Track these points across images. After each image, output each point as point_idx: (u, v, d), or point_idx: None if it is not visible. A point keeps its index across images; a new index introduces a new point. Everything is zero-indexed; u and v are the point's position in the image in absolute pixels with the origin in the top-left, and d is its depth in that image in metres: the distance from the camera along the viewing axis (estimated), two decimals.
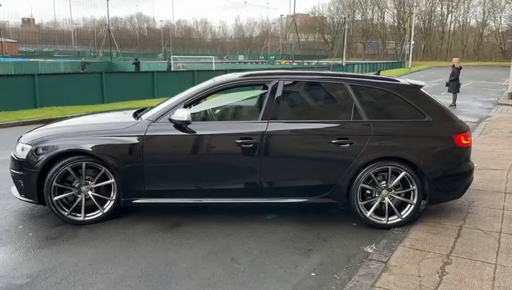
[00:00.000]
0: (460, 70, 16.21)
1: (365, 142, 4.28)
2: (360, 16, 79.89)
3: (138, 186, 4.36)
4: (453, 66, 16.17)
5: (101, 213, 4.44)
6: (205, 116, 4.86)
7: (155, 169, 4.33)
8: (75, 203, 4.39)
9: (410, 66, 48.69)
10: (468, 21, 79.31)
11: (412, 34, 43.09)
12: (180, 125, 4.28)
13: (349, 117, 4.40)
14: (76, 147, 4.28)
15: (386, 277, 3.38)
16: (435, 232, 4.27)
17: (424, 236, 4.18)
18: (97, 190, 4.44)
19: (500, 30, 72.78)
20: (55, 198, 4.32)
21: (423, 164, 4.30)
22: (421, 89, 4.58)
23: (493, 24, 75.58)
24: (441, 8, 77.23)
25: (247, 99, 5.15)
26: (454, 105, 15.71)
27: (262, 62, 65.14)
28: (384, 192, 4.39)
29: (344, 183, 4.34)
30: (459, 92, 16.20)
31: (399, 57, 64.54)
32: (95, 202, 4.42)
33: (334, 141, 4.28)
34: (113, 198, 4.43)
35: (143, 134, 4.30)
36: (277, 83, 4.40)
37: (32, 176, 4.31)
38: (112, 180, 4.37)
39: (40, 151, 4.30)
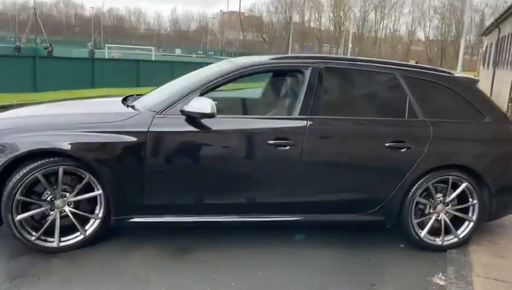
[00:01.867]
0: None
1: (424, 147, 3.49)
2: (298, 18, 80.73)
3: (136, 200, 3.24)
4: None
5: (81, 236, 3.24)
6: (223, 109, 3.72)
7: (161, 177, 3.23)
8: (46, 224, 3.16)
9: None
10: (398, 28, 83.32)
11: (350, 38, 43.80)
12: (194, 119, 3.21)
13: (403, 115, 3.59)
14: (50, 146, 3.05)
15: None
16: (499, 255, 3.60)
17: (490, 260, 3.50)
18: (76, 204, 3.24)
19: (429, 38, 77.11)
20: (19, 217, 3.06)
21: (487, 173, 3.60)
22: (477, 85, 3.90)
23: (421, 33, 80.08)
24: (375, 15, 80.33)
25: (270, 88, 4.13)
26: None
27: (200, 57, 63.44)
28: (439, 207, 3.64)
29: (397, 197, 3.52)
30: None
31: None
32: (74, 220, 3.22)
33: (387, 145, 3.45)
34: (99, 216, 3.25)
35: (146, 130, 3.17)
36: (316, 70, 3.48)
37: None
38: (98, 192, 3.20)
39: (2, 151, 3.02)
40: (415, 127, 3.56)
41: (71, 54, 28.37)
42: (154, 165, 3.19)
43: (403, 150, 3.46)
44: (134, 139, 3.15)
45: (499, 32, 19.57)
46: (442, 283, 3.17)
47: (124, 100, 3.87)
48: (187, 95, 3.29)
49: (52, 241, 3.17)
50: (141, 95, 4.22)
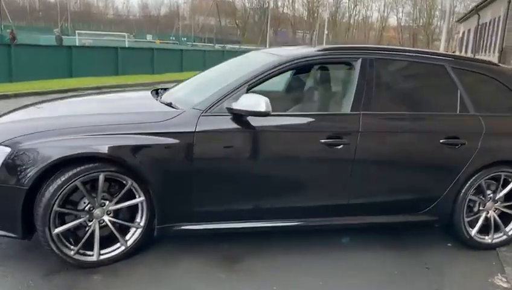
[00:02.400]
0: None
1: (478, 143, 3.35)
2: (272, 3, 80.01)
3: (183, 207, 2.97)
4: None
5: (122, 247, 2.96)
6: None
7: (210, 181, 2.97)
8: (86, 236, 2.86)
9: None
10: (371, 14, 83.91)
11: (326, 24, 43.71)
12: (240, 117, 2.95)
13: (455, 109, 3.43)
14: (91, 150, 2.74)
15: None
16: None
17: None
18: (115, 213, 2.96)
19: (401, 24, 78.03)
20: (57, 230, 2.75)
21: None
22: None
23: (394, 19, 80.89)
24: (348, 0, 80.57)
25: (314, 81, 3.85)
26: None
27: (173, 44, 62.03)
28: (489, 204, 3.52)
29: (450, 195, 3.38)
30: None
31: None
32: (115, 230, 2.93)
33: (442, 141, 3.29)
34: (141, 224, 2.97)
35: (193, 130, 2.90)
36: (366, 61, 3.26)
37: (14, 197, 2.69)
38: (140, 199, 2.92)
39: (29, 156, 2.68)
40: (468, 122, 3.40)
41: (38, 41, 27.11)
42: (203, 169, 2.93)
43: (457, 147, 3.31)
44: (180, 140, 2.87)
45: (479, 18, 19.86)
46: (505, 285, 3.06)
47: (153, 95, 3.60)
48: (233, 91, 3.02)
49: (92, 255, 2.88)
50: (166, 89, 3.93)
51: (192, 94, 3.36)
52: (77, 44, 29.17)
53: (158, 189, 2.86)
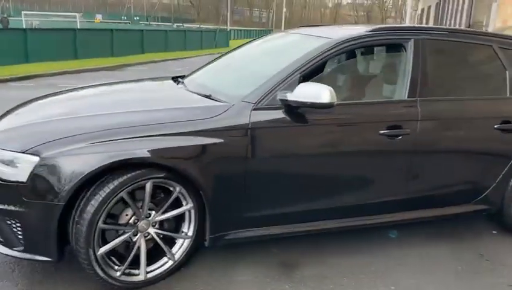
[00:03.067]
0: None
1: None
2: None
3: (237, 212, 2.65)
4: None
5: (170, 262, 2.61)
6: None
7: (265, 182, 2.65)
8: (132, 252, 2.48)
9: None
10: None
11: (284, 2, 43.23)
12: (295, 109, 2.63)
13: (505, 92, 3.27)
14: (138, 155, 2.34)
15: None
16: None
17: None
18: (161, 224, 2.59)
19: (355, 1, 78.70)
20: (102, 250, 2.36)
21: None
22: None
23: None
24: None
25: (360, 65, 3.53)
26: None
27: (125, 23, 59.56)
28: None
29: (502, 183, 3.24)
30: None
31: (269, 25, 65.22)
32: (162, 244, 2.57)
33: (496, 126, 3.13)
34: (189, 234, 2.62)
35: (246, 126, 2.55)
36: (419, 42, 3.00)
37: (47, 215, 2.27)
38: (188, 206, 2.56)
39: (61, 165, 2.25)
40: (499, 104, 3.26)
41: None
42: (258, 169, 2.60)
43: (510, 132, 3.15)
44: (234, 138, 2.53)
45: None
46: None
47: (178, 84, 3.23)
48: (284, 80, 2.68)
49: (138, 274, 2.51)
50: (183, 76, 3.54)
51: (230, 84, 3.00)
52: (24, 26, 27.24)
53: (211, 194, 2.51)
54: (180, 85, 3.24)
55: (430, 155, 3.00)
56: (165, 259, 2.60)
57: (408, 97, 2.93)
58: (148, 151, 2.35)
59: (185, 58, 21.38)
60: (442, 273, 2.87)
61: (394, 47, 3.06)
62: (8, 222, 2.35)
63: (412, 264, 2.94)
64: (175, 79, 3.51)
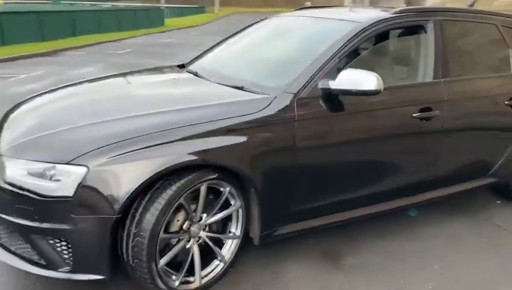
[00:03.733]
0: None
1: None
2: None
3: (283, 208, 2.56)
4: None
5: (222, 264, 2.48)
6: None
7: (311, 173, 2.59)
8: (189, 259, 2.33)
9: (217, 11, 48.53)
10: None
11: None
12: (335, 97, 2.58)
13: (509, 69, 3.42)
14: (194, 157, 2.17)
15: None
16: None
17: None
18: (210, 226, 2.45)
19: None
20: (164, 261, 2.19)
21: None
22: None
23: None
24: None
25: (381, 48, 3.35)
26: None
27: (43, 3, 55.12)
28: None
29: (510, 157, 3.43)
30: None
31: (204, 1, 63.35)
32: (214, 247, 2.44)
33: (506, 103, 3.28)
34: (237, 234, 2.51)
35: (293, 118, 2.46)
36: (438, 23, 3.04)
37: (99, 230, 2.05)
38: (237, 205, 2.44)
39: (114, 174, 2.04)
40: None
41: None
42: (306, 161, 2.53)
43: None
44: (282, 132, 2.43)
45: None
46: None
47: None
48: (322, 68, 2.60)
49: (193, 281, 2.36)
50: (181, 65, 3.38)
51: (259, 74, 2.88)
52: None
53: (263, 190, 2.40)
54: (200, 77, 3.03)
55: (454, 134, 3.08)
56: (216, 262, 2.47)
57: (434, 79, 2.96)
58: (203, 152, 2.19)
59: (123, 39, 20.33)
60: (472, 249, 2.99)
61: (416, 29, 3.06)
62: (51, 242, 2.11)
63: (442, 244, 3.02)
64: (181, 67, 3.30)
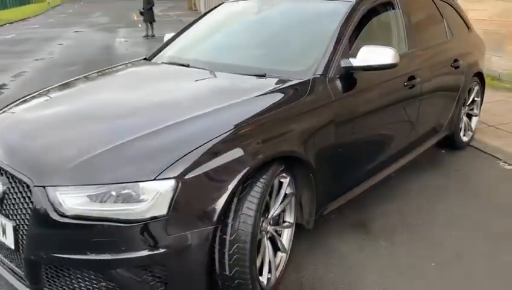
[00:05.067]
0: None
1: (465, 63, 3.99)
2: None
3: (331, 186, 2.63)
4: None
5: (284, 255, 2.44)
6: None
7: (350, 148, 2.71)
8: (267, 255, 2.25)
9: (49, 1, 43.86)
10: None
11: None
12: (353, 74, 2.70)
13: (445, 36, 3.95)
14: (276, 151, 2.13)
15: None
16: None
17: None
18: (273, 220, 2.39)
19: None
20: (259, 263, 2.09)
21: None
22: None
23: None
24: None
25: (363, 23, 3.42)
26: (154, 35, 15.18)
27: None
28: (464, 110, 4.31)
29: (455, 112, 4.00)
30: (155, 21, 15.83)
31: None
32: (279, 239, 2.39)
33: (451, 64, 3.80)
34: (291, 221, 2.50)
35: (331, 98, 2.52)
36: (400, 0, 3.37)
37: (198, 244, 1.87)
38: (292, 194, 2.42)
39: (204, 182, 1.87)
40: (459, 45, 4.02)
41: None
42: (343, 138, 2.61)
43: (457, 68, 3.87)
44: (325, 114, 2.48)
45: None
46: (508, 167, 3.95)
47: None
48: (338, 47, 2.69)
49: (271, 277, 2.29)
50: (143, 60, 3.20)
51: (274, 58, 2.84)
52: None
53: (318, 174, 2.42)
54: (202, 69, 2.85)
55: (427, 97, 3.46)
56: (280, 254, 2.41)
57: (408, 49, 3.28)
58: (283, 144, 2.14)
59: None
60: (451, 193, 3.45)
61: (388, 5, 3.31)
62: (141, 272, 1.83)
63: (431, 196, 3.39)
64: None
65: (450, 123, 3.98)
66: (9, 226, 1.94)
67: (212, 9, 3.72)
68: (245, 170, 1.94)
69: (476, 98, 4.43)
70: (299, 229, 2.59)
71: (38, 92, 2.82)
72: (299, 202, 2.52)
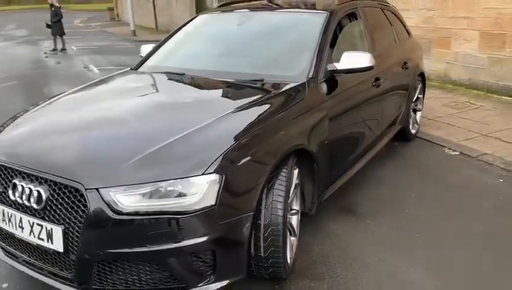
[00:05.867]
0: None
1: (413, 63, 4.59)
2: None
3: (328, 175, 2.99)
4: (52, 5, 14.66)
5: (295, 239, 2.73)
6: None
7: (338, 140, 3.07)
8: (288, 240, 2.53)
9: None
10: None
11: None
12: (336, 76, 3.08)
13: (395, 40, 4.50)
14: (296, 143, 2.50)
15: None
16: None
17: None
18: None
19: None
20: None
21: None
22: None
23: None
24: None
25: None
26: (65, 49, 14.58)
27: None
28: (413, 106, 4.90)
29: (407, 106, 4.57)
30: (64, 34, 14.95)
31: None
32: (290, 225, 2.67)
33: (402, 66, 4.35)
34: (297, 208, 2.79)
35: (324, 98, 2.91)
36: (361, 10, 3.83)
37: (241, 229, 2.13)
38: (298, 181, 2.73)
39: (243, 174, 2.15)
40: (407, 47, 4.60)
41: None
42: (335, 131, 2.97)
43: (407, 70, 4.44)
44: (321, 110, 2.84)
45: None
46: (453, 153, 4.58)
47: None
48: (323, 53, 3.05)
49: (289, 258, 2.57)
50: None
51: (269, 64, 3.15)
52: None
53: (320, 164, 2.76)
54: (198, 78, 3.09)
55: (387, 95, 3.96)
56: (291, 238, 2.70)
57: (376, 57, 3.73)
58: (300, 138, 2.45)
59: None
60: (413, 177, 3.97)
61: (353, 15, 3.76)
62: (194, 258, 2.04)
63: (398, 180, 3.91)
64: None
65: (403, 117, 4.53)
66: (57, 230, 2.03)
67: (191, 20, 3.92)
68: (274, 162, 2.23)
69: (419, 95, 5.05)
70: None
71: (53, 100, 2.90)
72: (301, 192, 2.83)
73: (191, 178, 1.98)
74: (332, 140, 2.94)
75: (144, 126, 2.39)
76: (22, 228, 2.14)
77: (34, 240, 2.11)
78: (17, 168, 2.17)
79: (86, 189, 1.96)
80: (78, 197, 1.99)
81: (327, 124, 2.85)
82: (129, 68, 3.62)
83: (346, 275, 2.57)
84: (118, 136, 2.31)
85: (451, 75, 7.24)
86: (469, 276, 2.54)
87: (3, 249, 2.38)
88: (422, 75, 4.98)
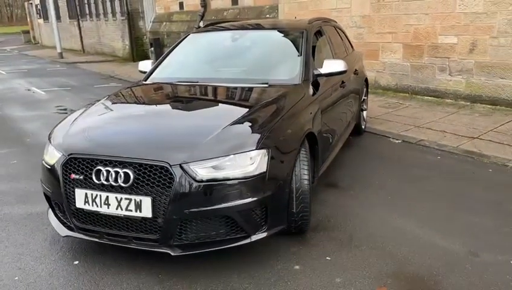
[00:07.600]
0: None
1: (361, 71, 5.63)
2: None
3: (322, 154, 3.77)
4: None
5: None
6: None
7: (325, 129, 3.89)
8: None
9: None
10: None
11: None
12: (317, 80, 3.94)
13: (346, 52, 5.51)
14: (308, 128, 3.35)
15: None
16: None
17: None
18: None
19: None
20: None
21: None
22: None
23: None
24: None
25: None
26: None
27: None
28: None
29: (358, 108, 5.58)
30: None
31: None
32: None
33: (353, 73, 5.35)
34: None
35: (316, 97, 3.76)
36: (323, 28, 4.79)
37: (284, 188, 2.89)
38: None
39: (281, 149, 2.91)
40: (354, 59, 5.61)
41: None
42: (325, 123, 3.82)
43: (358, 76, 5.46)
44: (315, 102, 3.66)
45: None
46: (397, 141, 5.65)
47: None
48: (309, 61, 3.91)
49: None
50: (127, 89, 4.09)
51: (268, 71, 3.92)
52: None
53: (320, 144, 3.57)
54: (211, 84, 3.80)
55: (349, 97, 4.92)
56: None
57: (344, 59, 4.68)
58: (307, 124, 3.26)
59: None
60: (372, 160, 4.95)
61: (320, 32, 4.67)
62: (254, 211, 2.72)
63: (362, 162, 4.86)
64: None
65: (357, 115, 5.53)
66: (146, 200, 2.60)
67: (183, 39, 4.59)
68: (301, 140, 3.00)
69: (365, 97, 6.11)
70: None
71: (99, 103, 3.48)
72: None
73: (248, 152, 2.68)
74: (324, 127, 3.78)
75: (200, 118, 3.06)
76: (108, 205, 2.68)
77: (121, 213, 2.66)
78: (100, 158, 2.71)
79: (171, 165, 2.58)
80: (164, 172, 2.59)
81: (320, 115, 3.68)
82: (141, 80, 4.17)
83: (348, 224, 3.40)
84: (182, 126, 2.96)
85: (381, 82, 8.51)
86: (434, 217, 3.48)
87: (80, 228, 2.86)
88: (366, 80, 6.05)
